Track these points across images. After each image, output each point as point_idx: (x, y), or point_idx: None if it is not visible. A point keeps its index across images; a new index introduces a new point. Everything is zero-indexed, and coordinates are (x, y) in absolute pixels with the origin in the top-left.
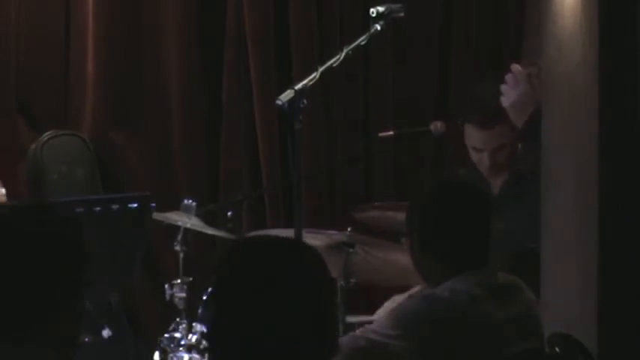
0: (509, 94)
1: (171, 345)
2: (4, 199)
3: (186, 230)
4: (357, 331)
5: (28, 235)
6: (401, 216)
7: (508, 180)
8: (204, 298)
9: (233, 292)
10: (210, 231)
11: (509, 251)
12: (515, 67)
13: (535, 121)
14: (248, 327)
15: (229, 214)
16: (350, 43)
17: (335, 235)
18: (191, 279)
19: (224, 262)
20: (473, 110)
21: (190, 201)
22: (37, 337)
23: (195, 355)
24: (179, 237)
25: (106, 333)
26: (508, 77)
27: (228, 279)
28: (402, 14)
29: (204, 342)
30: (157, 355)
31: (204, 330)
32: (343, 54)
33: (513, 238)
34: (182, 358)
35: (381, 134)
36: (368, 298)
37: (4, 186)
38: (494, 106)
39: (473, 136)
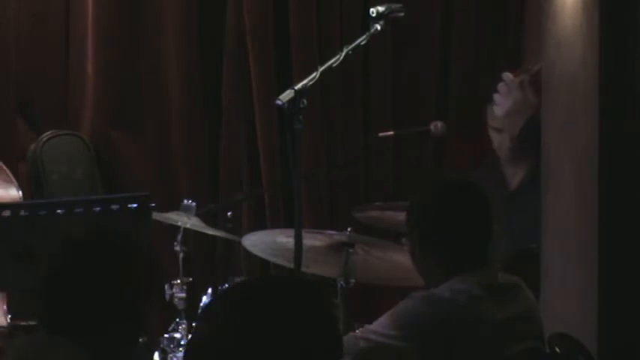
0: (502, 103)
1: (171, 345)
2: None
3: (186, 230)
4: (357, 332)
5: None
6: (401, 216)
7: (525, 177)
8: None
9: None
10: (210, 231)
11: (518, 248)
12: (507, 76)
13: (531, 127)
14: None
15: (229, 214)
16: (350, 43)
17: (335, 235)
18: (191, 279)
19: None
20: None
21: (190, 201)
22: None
23: None
24: (179, 237)
25: None
26: (500, 86)
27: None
28: (402, 14)
29: None
30: (156, 355)
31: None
32: (343, 54)
33: (524, 235)
34: (182, 358)
35: (381, 134)
36: (368, 298)
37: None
38: None
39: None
